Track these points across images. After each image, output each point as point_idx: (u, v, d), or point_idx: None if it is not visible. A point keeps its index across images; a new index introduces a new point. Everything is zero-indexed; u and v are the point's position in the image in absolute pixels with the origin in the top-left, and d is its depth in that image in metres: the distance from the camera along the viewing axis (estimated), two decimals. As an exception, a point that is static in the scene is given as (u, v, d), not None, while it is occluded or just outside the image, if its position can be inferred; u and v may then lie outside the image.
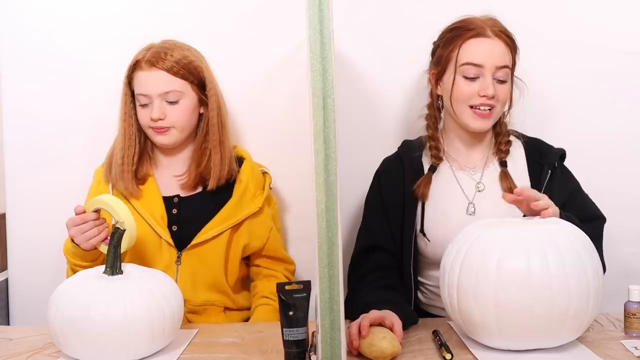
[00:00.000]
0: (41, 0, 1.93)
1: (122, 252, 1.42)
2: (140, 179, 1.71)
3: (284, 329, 1.26)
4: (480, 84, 1.57)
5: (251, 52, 1.92)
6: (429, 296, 1.70)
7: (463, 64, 1.57)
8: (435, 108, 1.69)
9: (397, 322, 1.37)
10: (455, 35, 1.60)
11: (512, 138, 1.69)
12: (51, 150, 1.94)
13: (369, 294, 1.53)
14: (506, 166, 1.65)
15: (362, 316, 1.36)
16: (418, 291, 1.70)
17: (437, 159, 1.66)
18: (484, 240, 1.32)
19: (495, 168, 1.66)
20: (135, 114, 1.69)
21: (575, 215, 1.50)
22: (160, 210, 1.69)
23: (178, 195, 1.72)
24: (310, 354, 1.26)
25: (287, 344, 1.26)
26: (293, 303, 1.26)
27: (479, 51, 1.57)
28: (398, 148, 1.74)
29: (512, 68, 1.62)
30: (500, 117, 1.65)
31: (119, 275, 1.37)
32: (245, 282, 1.83)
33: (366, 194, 1.75)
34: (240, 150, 1.80)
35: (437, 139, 1.68)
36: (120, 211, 1.47)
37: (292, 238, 1.97)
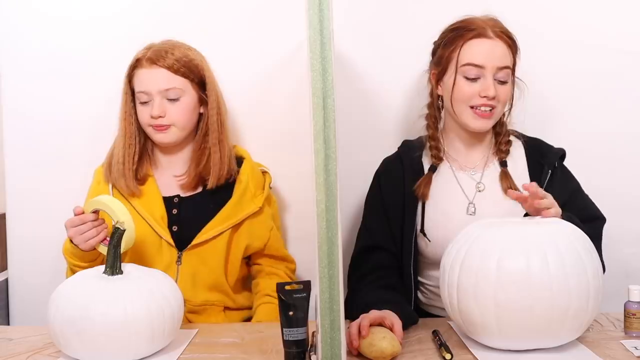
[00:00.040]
0: (41, 0, 1.93)
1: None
2: (140, 179, 1.71)
3: (284, 329, 1.26)
4: (481, 85, 1.57)
5: (251, 52, 1.92)
6: (429, 296, 1.70)
7: (464, 65, 1.57)
8: (436, 108, 1.69)
9: (397, 322, 1.37)
10: (456, 35, 1.59)
11: (512, 138, 1.69)
12: (51, 150, 1.94)
13: (369, 294, 1.53)
14: (506, 166, 1.65)
15: (362, 316, 1.36)
16: (418, 291, 1.70)
17: (437, 159, 1.66)
18: (484, 240, 1.32)
19: (495, 168, 1.66)
20: (136, 113, 1.69)
21: (575, 215, 1.50)
22: (161, 210, 1.69)
23: (178, 196, 1.72)
24: (310, 354, 1.26)
25: (287, 344, 1.26)
26: (293, 303, 1.26)
27: (480, 52, 1.57)
28: (398, 148, 1.74)
29: (513, 68, 1.62)
30: (500, 117, 1.65)
31: (119, 275, 1.37)
32: (245, 282, 1.83)
33: (366, 194, 1.75)
34: (240, 150, 1.80)
35: (438, 139, 1.68)
36: (118, 212, 1.47)
37: (292, 238, 1.97)
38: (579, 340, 1.36)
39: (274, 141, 1.93)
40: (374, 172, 1.74)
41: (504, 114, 1.66)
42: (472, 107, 1.58)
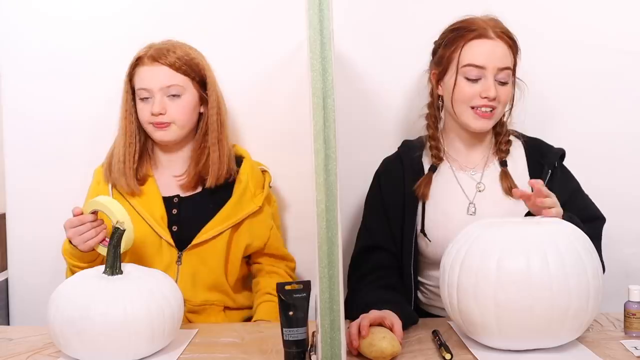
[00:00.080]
0: (41, 0, 1.93)
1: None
2: (140, 179, 1.71)
3: (284, 329, 1.26)
4: (481, 86, 1.57)
5: (251, 52, 1.92)
6: (429, 296, 1.70)
7: (465, 65, 1.57)
8: (436, 108, 1.69)
9: (397, 322, 1.37)
10: (457, 35, 1.59)
11: (512, 138, 1.69)
12: (51, 150, 1.94)
13: (369, 294, 1.53)
14: (506, 166, 1.65)
15: (362, 316, 1.36)
16: (418, 291, 1.70)
17: (437, 159, 1.66)
18: (484, 240, 1.32)
19: (495, 168, 1.66)
20: (136, 111, 1.69)
21: (575, 215, 1.50)
22: (160, 210, 1.69)
23: (178, 196, 1.72)
24: (311, 354, 1.26)
25: (287, 344, 1.26)
26: (293, 303, 1.26)
27: (481, 52, 1.57)
28: (398, 148, 1.74)
29: (514, 69, 1.61)
30: (500, 117, 1.65)
31: (119, 275, 1.37)
32: (245, 282, 1.83)
33: (366, 194, 1.75)
34: (240, 150, 1.81)
35: (438, 139, 1.68)
36: (117, 213, 1.47)
37: (291, 238, 1.97)
38: (579, 340, 1.36)
39: (274, 141, 1.93)
40: (374, 172, 1.74)
41: (504, 114, 1.66)
42: (472, 108, 1.58)
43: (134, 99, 1.69)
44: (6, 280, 1.98)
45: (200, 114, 1.73)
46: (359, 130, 1.92)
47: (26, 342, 1.47)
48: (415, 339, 1.42)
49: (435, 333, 1.41)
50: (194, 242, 1.67)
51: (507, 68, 1.58)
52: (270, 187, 1.80)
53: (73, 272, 1.53)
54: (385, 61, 1.92)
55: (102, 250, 1.53)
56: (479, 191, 1.64)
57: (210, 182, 1.69)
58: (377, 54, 1.92)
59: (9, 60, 1.94)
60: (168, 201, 1.71)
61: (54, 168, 1.94)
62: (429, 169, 1.66)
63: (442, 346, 1.33)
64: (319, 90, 1.09)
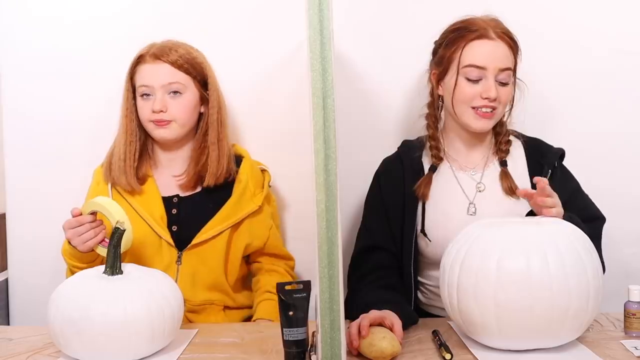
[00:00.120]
0: (41, 0, 1.93)
1: None
2: (139, 179, 1.71)
3: (284, 329, 1.26)
4: (482, 86, 1.57)
5: (251, 52, 1.92)
6: (429, 296, 1.70)
7: (466, 66, 1.57)
8: (436, 107, 1.69)
9: (397, 322, 1.37)
10: (458, 36, 1.59)
11: (511, 138, 1.69)
12: (51, 150, 1.94)
13: (369, 294, 1.53)
14: (506, 166, 1.65)
15: (362, 316, 1.36)
16: (418, 291, 1.70)
17: (437, 159, 1.66)
18: (484, 240, 1.32)
19: (495, 168, 1.66)
20: (136, 110, 1.69)
21: (575, 215, 1.50)
22: (160, 210, 1.69)
23: (177, 195, 1.72)
24: (311, 354, 1.26)
25: (287, 344, 1.26)
26: (293, 303, 1.26)
27: (482, 53, 1.57)
28: (398, 148, 1.74)
29: (514, 69, 1.61)
30: (500, 117, 1.65)
31: (119, 275, 1.37)
32: (245, 281, 1.84)
33: (366, 194, 1.74)
34: (239, 149, 1.81)
35: (438, 139, 1.68)
36: (115, 213, 1.47)
37: (291, 238, 1.96)
38: (579, 340, 1.36)
39: (274, 141, 1.93)
40: (374, 172, 1.74)
41: (504, 114, 1.66)
42: (473, 108, 1.58)
43: (134, 98, 1.69)
44: (6, 280, 1.98)
45: (201, 114, 1.73)
46: (359, 130, 1.92)
47: (26, 342, 1.47)
48: (415, 339, 1.42)
49: (435, 333, 1.41)
50: (194, 241, 1.67)
51: (508, 69, 1.58)
52: (270, 186, 1.80)
53: (73, 273, 1.53)
54: (385, 61, 1.92)
55: (101, 250, 1.53)
56: (479, 191, 1.64)
57: (208, 181, 1.69)
58: (377, 54, 1.92)
59: (9, 60, 1.94)
60: (167, 201, 1.71)
61: (54, 168, 1.94)
62: (429, 169, 1.66)
63: (442, 346, 1.33)
64: (319, 90, 1.09)
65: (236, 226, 1.71)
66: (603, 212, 1.68)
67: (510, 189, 1.61)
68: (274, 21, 1.90)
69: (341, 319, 1.07)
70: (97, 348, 1.29)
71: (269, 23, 1.91)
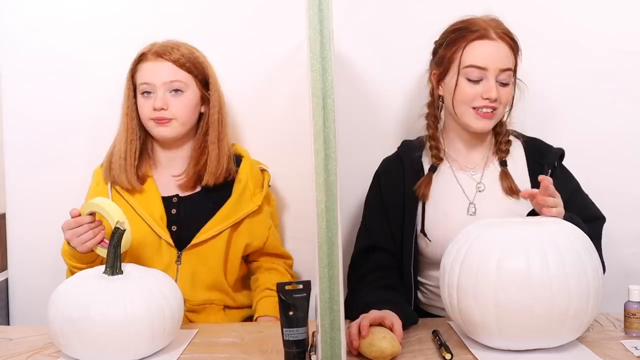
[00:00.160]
0: (41, 0, 1.93)
1: None
2: (139, 179, 1.70)
3: (284, 329, 1.26)
4: (483, 87, 1.57)
5: (251, 52, 1.92)
6: (429, 296, 1.70)
7: (466, 66, 1.57)
8: (436, 107, 1.69)
9: (397, 322, 1.37)
10: (459, 36, 1.59)
11: (511, 138, 1.69)
12: (51, 150, 1.94)
13: (369, 294, 1.53)
14: (506, 166, 1.65)
15: (362, 316, 1.36)
16: (418, 291, 1.70)
17: (437, 159, 1.66)
18: (484, 240, 1.32)
19: (495, 168, 1.66)
20: (137, 109, 1.69)
21: (575, 215, 1.50)
22: (160, 210, 1.69)
23: (177, 195, 1.72)
24: (311, 354, 1.26)
25: (287, 344, 1.26)
26: (293, 303, 1.26)
27: (483, 54, 1.57)
28: (398, 148, 1.74)
29: (515, 70, 1.61)
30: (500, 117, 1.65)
31: (119, 275, 1.37)
32: (245, 281, 1.83)
33: (366, 194, 1.74)
34: (239, 149, 1.81)
35: (438, 139, 1.68)
36: (113, 214, 1.47)
37: (291, 238, 1.96)
38: (579, 340, 1.36)
39: (274, 141, 1.93)
40: (374, 172, 1.74)
41: (504, 114, 1.66)
42: (473, 108, 1.58)
43: (135, 96, 1.69)
44: (6, 280, 1.98)
45: (201, 114, 1.73)
46: (359, 130, 1.92)
47: (26, 342, 1.47)
48: (415, 339, 1.42)
49: (435, 333, 1.41)
50: (194, 241, 1.67)
51: (509, 69, 1.58)
52: (269, 186, 1.80)
53: (73, 273, 1.53)
54: (385, 61, 1.92)
55: (101, 251, 1.53)
56: (479, 191, 1.64)
57: (207, 180, 1.69)
58: (377, 54, 1.92)
59: (9, 60, 1.94)
60: (167, 201, 1.71)
61: (54, 168, 1.94)
62: (429, 169, 1.66)
63: (442, 346, 1.33)
64: (319, 90, 1.09)
65: (236, 226, 1.71)
66: (603, 212, 1.68)
67: (510, 189, 1.61)
68: (274, 21, 1.90)
69: (341, 319, 1.07)
70: (97, 348, 1.29)
71: (269, 23, 1.91)
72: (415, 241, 1.63)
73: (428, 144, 1.69)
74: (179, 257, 1.68)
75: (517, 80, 1.65)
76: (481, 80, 1.57)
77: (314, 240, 1.09)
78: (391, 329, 1.35)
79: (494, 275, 1.27)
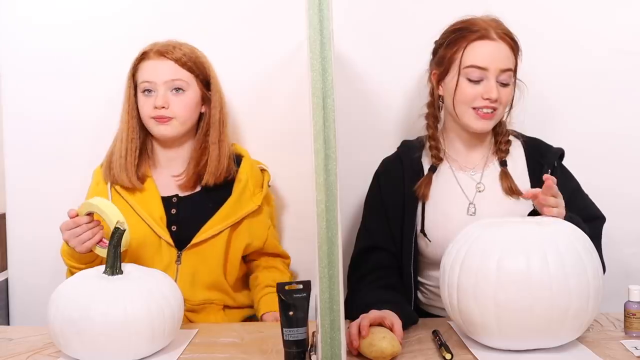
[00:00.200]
0: (41, 0, 1.93)
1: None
2: (139, 178, 1.70)
3: (284, 329, 1.26)
4: (483, 87, 1.57)
5: (251, 52, 1.92)
6: (429, 296, 1.70)
7: (467, 67, 1.57)
8: (436, 107, 1.69)
9: (397, 322, 1.37)
10: (459, 36, 1.59)
11: (511, 138, 1.69)
12: (51, 151, 1.94)
13: (369, 294, 1.53)
14: (506, 166, 1.65)
15: (361, 316, 1.36)
16: (418, 291, 1.70)
17: (437, 159, 1.66)
18: (483, 240, 1.32)
19: (495, 168, 1.66)
20: (138, 107, 1.69)
21: (575, 214, 1.50)
22: (159, 210, 1.69)
23: (177, 195, 1.72)
24: (311, 354, 1.26)
25: (287, 344, 1.26)
26: (293, 303, 1.26)
27: (483, 54, 1.56)
28: (397, 148, 1.74)
29: (515, 70, 1.61)
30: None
31: (119, 275, 1.37)
32: (245, 281, 1.83)
33: (366, 194, 1.74)
34: (239, 149, 1.81)
35: (438, 139, 1.68)
36: (111, 214, 1.46)
37: (291, 238, 1.97)
38: (579, 340, 1.36)
39: (274, 141, 1.93)
40: (374, 172, 1.74)
41: (504, 115, 1.66)
42: (474, 108, 1.58)
43: (136, 95, 1.69)
44: (6, 280, 1.98)
45: (201, 114, 1.73)
46: (359, 130, 1.92)
47: (26, 342, 1.47)
48: (415, 339, 1.42)
49: (435, 333, 1.41)
50: (193, 241, 1.67)
51: (509, 69, 1.58)
52: (269, 186, 1.80)
53: (72, 273, 1.53)
54: (385, 61, 1.92)
55: (100, 251, 1.53)
56: (479, 191, 1.64)
57: (206, 180, 1.69)
58: (377, 54, 1.92)
59: (9, 60, 1.94)
60: (167, 201, 1.71)
61: (54, 168, 1.94)
62: (429, 169, 1.66)
63: (442, 346, 1.33)
64: (319, 90, 1.09)
65: (235, 226, 1.71)
66: (603, 212, 1.68)
67: (510, 189, 1.61)
68: (274, 21, 1.90)
69: (341, 319, 1.07)
70: (97, 348, 1.29)
71: (269, 23, 1.91)
72: (415, 241, 1.63)
73: (428, 144, 1.69)
74: (178, 257, 1.68)
75: (517, 81, 1.65)
76: (481, 80, 1.57)
77: (314, 240, 1.09)
78: (391, 329, 1.35)
79: (494, 275, 1.27)
